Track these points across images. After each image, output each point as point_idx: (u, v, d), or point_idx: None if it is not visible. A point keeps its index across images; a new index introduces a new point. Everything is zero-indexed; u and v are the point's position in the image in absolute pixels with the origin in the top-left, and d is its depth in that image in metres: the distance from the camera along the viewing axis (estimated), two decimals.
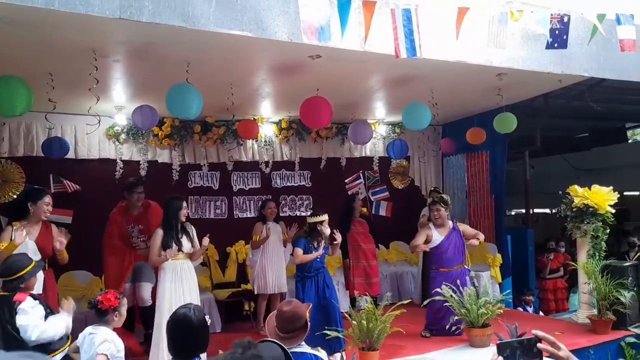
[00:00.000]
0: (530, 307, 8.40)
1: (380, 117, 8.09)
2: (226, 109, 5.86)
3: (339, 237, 5.42)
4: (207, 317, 2.70)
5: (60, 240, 4.64)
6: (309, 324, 3.11)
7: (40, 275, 4.44)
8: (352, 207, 7.04)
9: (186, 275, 4.96)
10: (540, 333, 1.50)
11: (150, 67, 4.91)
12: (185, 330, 2.59)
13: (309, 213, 5.76)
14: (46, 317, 3.67)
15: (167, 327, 2.69)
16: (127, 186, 5.87)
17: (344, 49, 4.33)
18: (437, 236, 5.95)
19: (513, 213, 13.89)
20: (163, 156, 7.18)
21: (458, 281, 5.41)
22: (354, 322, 4.40)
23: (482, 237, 6.04)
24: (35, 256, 4.39)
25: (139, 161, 7.01)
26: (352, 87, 6.07)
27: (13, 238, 4.45)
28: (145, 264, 5.51)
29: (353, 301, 6.47)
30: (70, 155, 6.45)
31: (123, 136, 6.88)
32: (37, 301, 3.69)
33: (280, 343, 2.41)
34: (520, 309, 8.15)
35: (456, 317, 5.08)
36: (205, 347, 2.70)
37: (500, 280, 7.86)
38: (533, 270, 9.35)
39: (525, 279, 9.13)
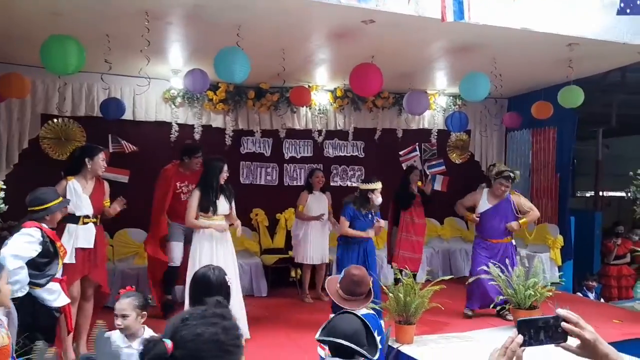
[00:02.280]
0: (592, 293, 7.99)
1: (441, 87, 7.81)
2: (277, 75, 5.79)
3: (382, 224, 5.27)
4: (227, 279, 2.69)
5: (114, 208, 4.80)
6: (372, 292, 3.14)
7: (92, 230, 4.62)
8: (408, 179, 6.84)
9: (222, 237, 4.91)
10: (562, 312, 1.35)
11: (202, 31, 4.91)
12: (205, 289, 2.61)
13: (360, 181, 5.64)
14: (46, 264, 3.64)
15: (189, 286, 2.73)
16: (188, 151, 5.80)
17: (397, 12, 4.15)
18: (485, 203, 5.70)
19: (587, 195, 13.16)
20: (217, 121, 7.24)
21: (507, 260, 5.17)
22: (390, 294, 4.31)
23: (533, 217, 5.73)
24: (88, 211, 4.57)
25: (194, 125, 7.10)
26: (410, 55, 5.85)
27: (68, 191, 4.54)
28: (175, 224, 5.63)
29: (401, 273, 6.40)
30: (129, 116, 6.62)
31: (179, 100, 6.98)
32: (42, 239, 3.62)
33: (359, 314, 2.43)
34: (580, 294, 7.79)
35: (502, 297, 4.87)
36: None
37: (560, 263, 7.54)
38: (599, 255, 8.88)
39: (590, 263, 8.71)
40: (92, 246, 4.59)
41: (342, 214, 5.32)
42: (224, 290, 2.65)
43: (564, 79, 6.43)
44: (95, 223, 4.65)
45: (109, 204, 4.83)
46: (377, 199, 5.25)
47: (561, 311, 1.36)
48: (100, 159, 4.65)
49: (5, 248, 3.48)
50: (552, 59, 5.88)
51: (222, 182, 4.95)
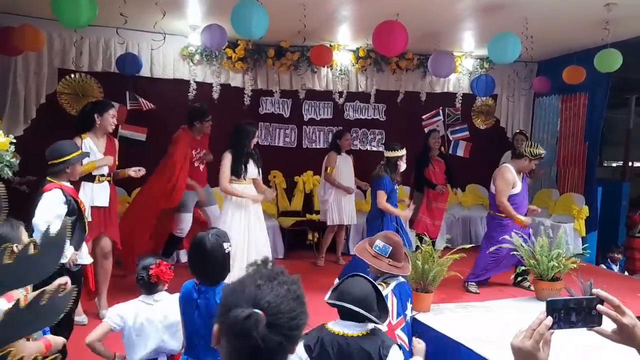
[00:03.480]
0: (617, 265, 7.81)
1: (468, 49, 7.52)
2: (297, 33, 5.60)
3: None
4: (225, 245, 2.56)
5: (124, 172, 4.73)
6: (407, 261, 3.06)
7: (107, 188, 4.58)
8: (428, 144, 6.68)
9: (253, 204, 4.96)
10: (602, 293, 1.23)
11: None
12: (199, 254, 2.51)
13: (382, 147, 5.54)
14: (73, 222, 3.57)
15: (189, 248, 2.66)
16: (199, 115, 5.50)
17: None
18: (519, 182, 5.38)
19: (614, 165, 12.81)
20: (236, 80, 7.10)
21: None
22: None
23: None
24: (104, 169, 4.52)
25: (212, 84, 6.97)
26: (436, 14, 5.62)
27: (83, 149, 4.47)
28: (188, 192, 5.47)
29: (421, 240, 6.30)
30: (146, 73, 6.52)
31: (197, 57, 6.84)
32: (65, 198, 3.57)
33: (370, 279, 2.32)
34: (603, 266, 7.61)
35: (523, 267, 4.73)
36: (219, 274, 2.53)
37: (584, 234, 7.35)
38: (624, 227, 8.65)
39: (615, 235, 8.49)
40: (107, 205, 4.56)
41: (379, 188, 5.13)
42: (217, 257, 2.49)
43: (598, 42, 6.14)
44: (109, 181, 4.61)
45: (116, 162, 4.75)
46: (403, 165, 5.26)
47: (600, 292, 1.24)
48: (110, 115, 4.54)
49: (35, 217, 3.45)
50: (588, 20, 5.62)
51: (252, 147, 4.97)
